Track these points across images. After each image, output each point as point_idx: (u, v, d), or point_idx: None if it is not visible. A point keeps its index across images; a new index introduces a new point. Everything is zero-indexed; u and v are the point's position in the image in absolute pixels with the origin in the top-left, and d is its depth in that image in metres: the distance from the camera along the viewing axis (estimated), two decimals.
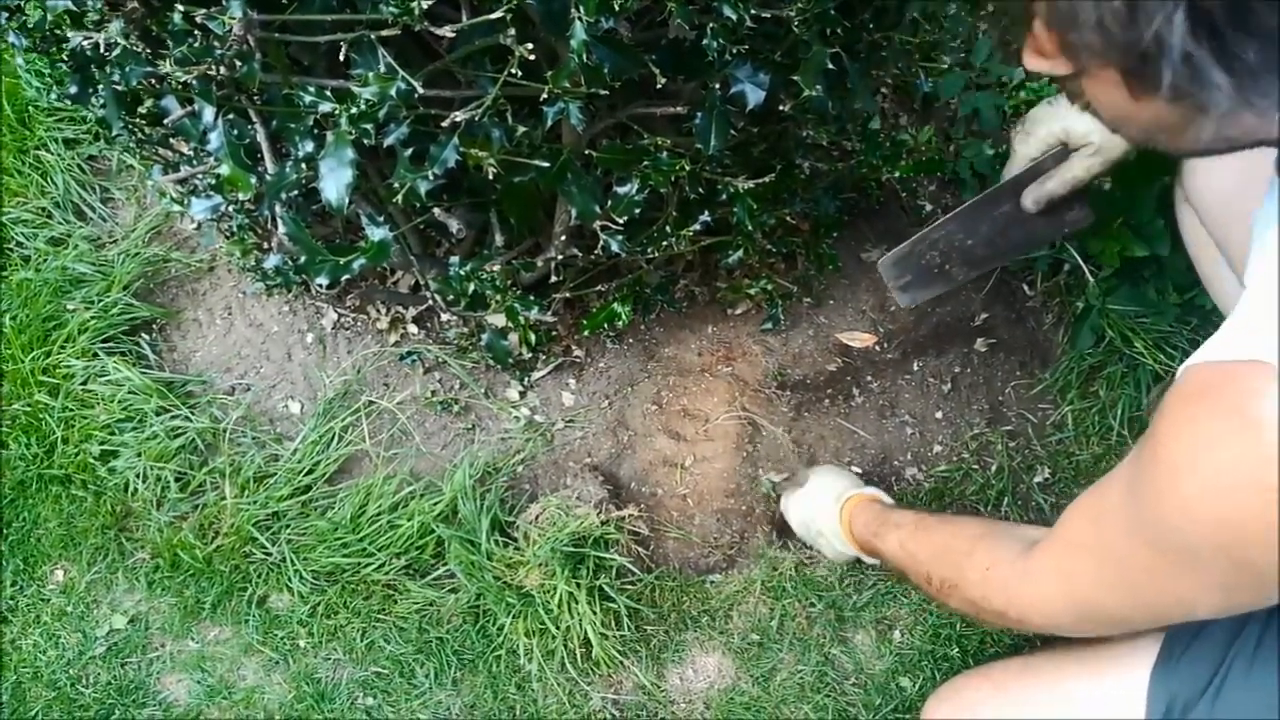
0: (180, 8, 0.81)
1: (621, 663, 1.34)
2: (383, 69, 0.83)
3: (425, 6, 0.76)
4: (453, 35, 0.80)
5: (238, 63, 0.84)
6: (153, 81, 0.98)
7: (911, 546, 1.11)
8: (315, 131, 0.92)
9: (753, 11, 0.84)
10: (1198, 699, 0.88)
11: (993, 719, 1.01)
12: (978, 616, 0.99)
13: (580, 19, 0.77)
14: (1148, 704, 0.91)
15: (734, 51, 0.88)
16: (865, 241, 1.56)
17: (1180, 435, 0.71)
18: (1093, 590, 0.84)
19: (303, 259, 1.01)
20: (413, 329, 1.51)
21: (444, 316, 1.49)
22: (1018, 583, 0.92)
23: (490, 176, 0.93)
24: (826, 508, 1.30)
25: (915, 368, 1.50)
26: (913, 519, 1.15)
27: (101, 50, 0.90)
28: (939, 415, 1.47)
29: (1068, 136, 1.09)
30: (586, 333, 1.42)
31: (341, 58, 0.83)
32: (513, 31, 0.79)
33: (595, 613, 1.31)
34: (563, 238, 1.19)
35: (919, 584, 1.09)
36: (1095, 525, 0.83)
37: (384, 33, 0.81)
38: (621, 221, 1.06)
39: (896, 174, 1.34)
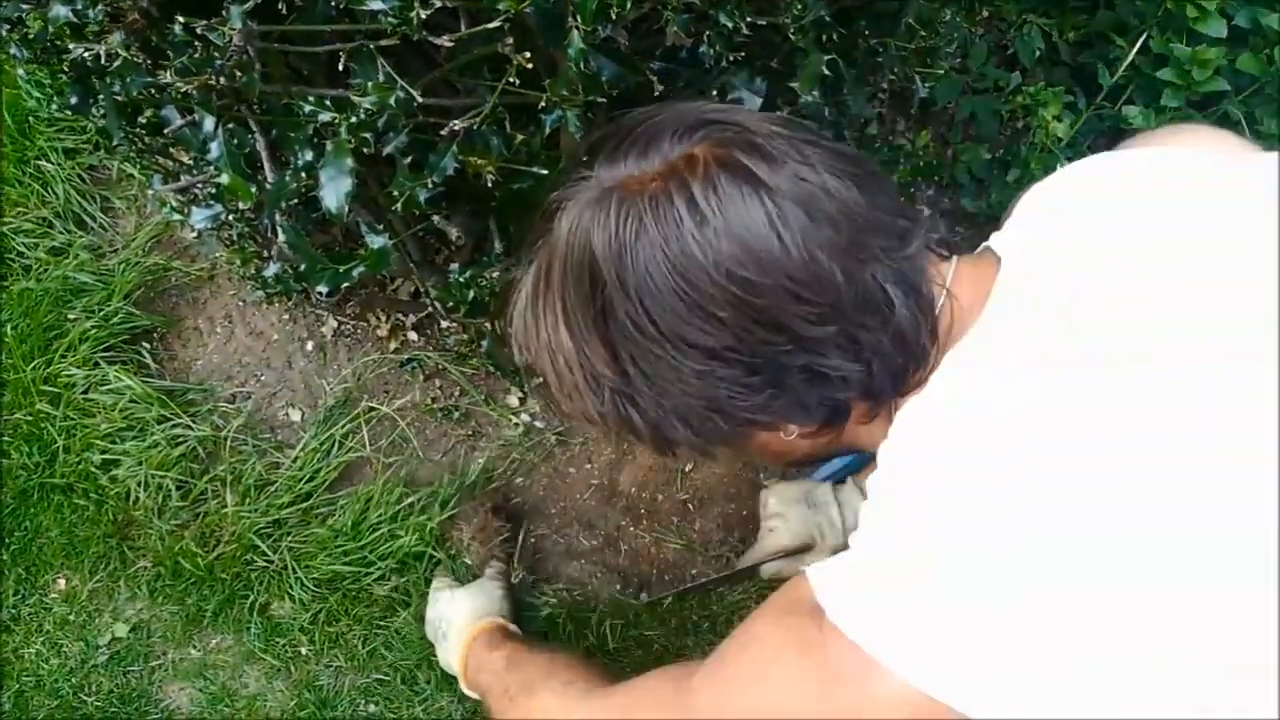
0: (181, 19, 0.81)
1: (624, 670, 1.34)
2: (381, 78, 0.83)
3: (424, 16, 0.77)
4: (451, 44, 0.81)
5: (238, 73, 0.84)
6: (153, 92, 0.98)
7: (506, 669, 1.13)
8: (315, 140, 0.92)
9: (749, 19, 0.84)
10: None
11: None
12: None
13: (578, 28, 0.77)
14: None
15: (731, 59, 0.89)
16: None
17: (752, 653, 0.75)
18: None
19: (303, 267, 1.01)
20: (413, 336, 1.51)
21: (444, 323, 1.49)
22: (574, 702, 0.97)
23: (489, 184, 0.93)
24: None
25: None
26: (511, 649, 1.16)
27: (102, 61, 0.90)
28: None
29: (819, 540, 1.26)
30: None
31: (340, 67, 0.84)
32: (510, 40, 0.79)
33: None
34: None
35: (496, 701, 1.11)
36: (643, 699, 0.87)
37: (383, 42, 0.82)
38: None
39: (895, 179, 1.35)
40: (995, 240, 0.79)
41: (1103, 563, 0.61)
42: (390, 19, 0.77)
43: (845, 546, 1.19)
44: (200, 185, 1.20)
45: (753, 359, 0.67)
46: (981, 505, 0.64)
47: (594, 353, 0.70)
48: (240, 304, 1.55)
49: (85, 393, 1.45)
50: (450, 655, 1.24)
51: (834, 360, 0.68)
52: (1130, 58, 1.42)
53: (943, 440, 0.69)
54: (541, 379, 0.77)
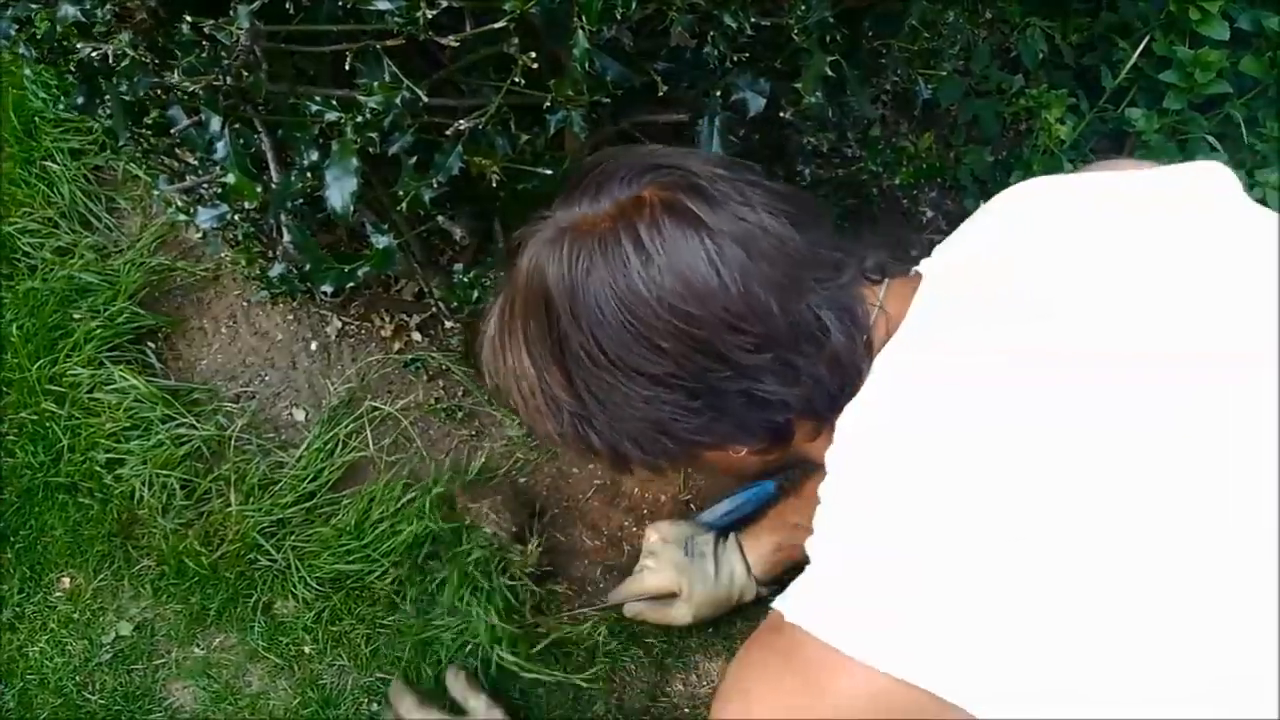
0: (188, 19, 0.81)
1: (625, 667, 1.34)
2: (387, 78, 0.83)
3: (430, 16, 0.77)
4: (456, 45, 0.81)
5: (244, 73, 0.84)
6: (159, 92, 0.99)
7: None
8: (320, 140, 0.93)
9: (752, 20, 0.85)
10: None
11: None
12: None
13: (583, 28, 0.78)
14: None
15: (735, 59, 0.89)
16: (866, 247, 1.57)
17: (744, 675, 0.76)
18: None
19: (308, 267, 1.01)
20: (416, 336, 1.52)
21: (447, 324, 1.50)
22: None
23: (494, 184, 0.93)
24: None
25: None
26: None
27: (109, 61, 0.91)
28: None
29: (687, 590, 1.26)
30: None
31: (346, 68, 0.84)
32: (516, 40, 0.80)
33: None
34: None
35: None
36: None
37: (388, 43, 0.82)
38: None
39: (898, 181, 1.35)
40: (923, 263, 0.84)
41: (1076, 552, 0.62)
42: (396, 19, 0.77)
43: (713, 601, 1.27)
44: (206, 185, 1.20)
45: (695, 385, 0.72)
46: (924, 498, 0.67)
47: (552, 379, 0.75)
48: (245, 304, 1.56)
49: (90, 392, 1.46)
50: None
51: (771, 385, 0.73)
52: (1133, 60, 1.42)
53: (881, 439, 0.72)
54: (509, 400, 0.81)
